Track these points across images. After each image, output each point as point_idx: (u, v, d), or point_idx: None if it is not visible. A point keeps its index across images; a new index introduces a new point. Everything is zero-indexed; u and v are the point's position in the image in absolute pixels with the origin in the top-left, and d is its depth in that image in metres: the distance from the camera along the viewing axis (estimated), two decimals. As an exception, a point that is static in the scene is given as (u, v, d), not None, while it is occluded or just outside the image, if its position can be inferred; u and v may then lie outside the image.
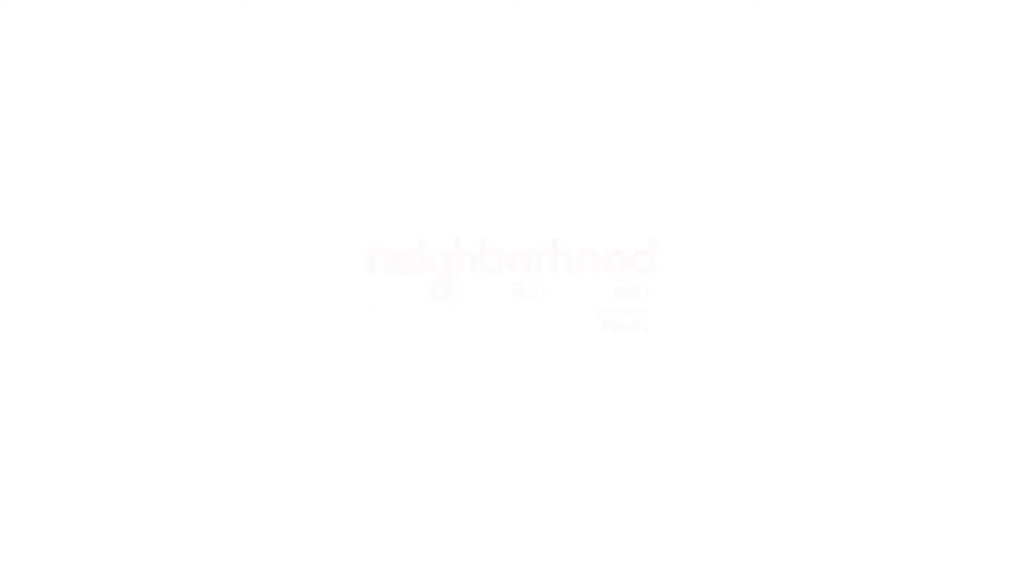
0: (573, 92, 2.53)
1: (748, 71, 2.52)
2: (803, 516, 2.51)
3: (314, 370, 2.51)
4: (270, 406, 2.51)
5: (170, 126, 2.52)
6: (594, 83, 2.53)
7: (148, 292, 2.53)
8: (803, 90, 2.52)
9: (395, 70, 2.52)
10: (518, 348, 2.52)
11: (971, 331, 2.51)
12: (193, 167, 2.53)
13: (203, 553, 2.52)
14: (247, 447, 2.52)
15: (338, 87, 2.52)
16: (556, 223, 2.52)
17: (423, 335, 2.52)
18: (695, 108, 2.52)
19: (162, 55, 2.53)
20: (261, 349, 2.51)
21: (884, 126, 2.52)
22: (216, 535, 2.53)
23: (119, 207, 2.52)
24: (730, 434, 2.52)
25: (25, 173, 2.53)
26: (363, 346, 2.51)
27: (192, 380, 2.52)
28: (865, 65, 2.51)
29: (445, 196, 2.52)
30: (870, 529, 2.51)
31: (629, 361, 2.53)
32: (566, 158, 2.53)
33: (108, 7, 2.53)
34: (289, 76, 2.53)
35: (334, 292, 2.51)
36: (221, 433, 2.52)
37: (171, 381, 2.52)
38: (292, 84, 2.52)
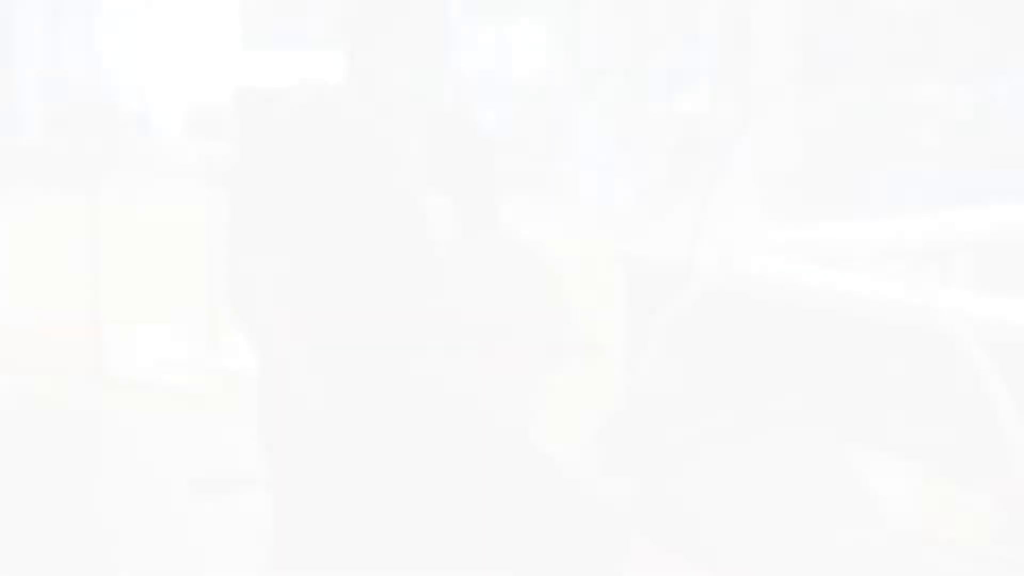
0: (573, 92, 2.53)
1: (748, 71, 2.52)
2: (814, 517, 2.50)
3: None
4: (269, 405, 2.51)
5: (171, 126, 2.54)
6: (594, 83, 2.53)
7: (147, 289, 2.54)
8: (804, 90, 2.52)
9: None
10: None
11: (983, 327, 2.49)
12: (192, 166, 2.54)
13: (203, 552, 2.53)
14: (246, 446, 2.52)
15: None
16: (557, 223, 2.53)
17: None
18: (695, 108, 2.52)
19: (162, 56, 2.55)
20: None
21: (889, 125, 2.51)
22: (213, 533, 2.53)
23: (120, 210, 2.54)
24: (736, 436, 2.51)
25: (23, 167, 2.56)
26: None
27: (190, 380, 2.53)
28: (867, 65, 2.51)
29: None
30: (877, 533, 2.49)
31: (631, 363, 2.53)
32: (566, 158, 2.53)
33: (109, 6, 2.56)
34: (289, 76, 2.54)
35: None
36: (219, 432, 2.53)
37: (169, 379, 2.53)
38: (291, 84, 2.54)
